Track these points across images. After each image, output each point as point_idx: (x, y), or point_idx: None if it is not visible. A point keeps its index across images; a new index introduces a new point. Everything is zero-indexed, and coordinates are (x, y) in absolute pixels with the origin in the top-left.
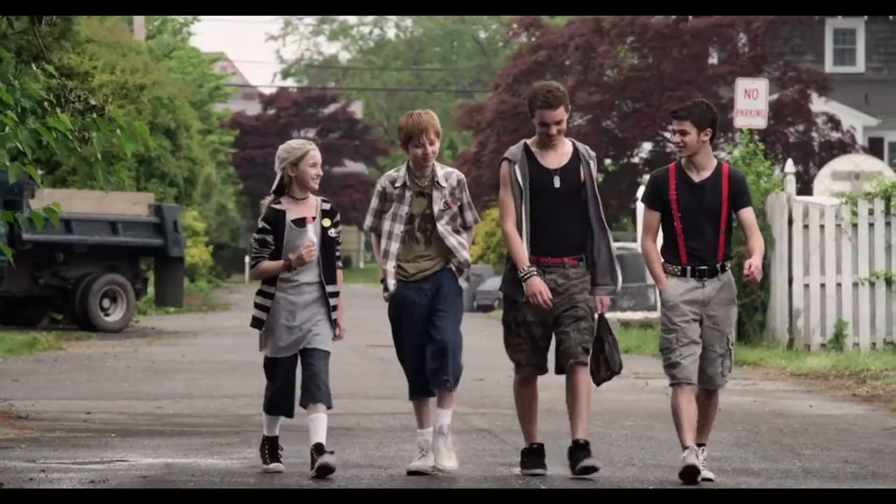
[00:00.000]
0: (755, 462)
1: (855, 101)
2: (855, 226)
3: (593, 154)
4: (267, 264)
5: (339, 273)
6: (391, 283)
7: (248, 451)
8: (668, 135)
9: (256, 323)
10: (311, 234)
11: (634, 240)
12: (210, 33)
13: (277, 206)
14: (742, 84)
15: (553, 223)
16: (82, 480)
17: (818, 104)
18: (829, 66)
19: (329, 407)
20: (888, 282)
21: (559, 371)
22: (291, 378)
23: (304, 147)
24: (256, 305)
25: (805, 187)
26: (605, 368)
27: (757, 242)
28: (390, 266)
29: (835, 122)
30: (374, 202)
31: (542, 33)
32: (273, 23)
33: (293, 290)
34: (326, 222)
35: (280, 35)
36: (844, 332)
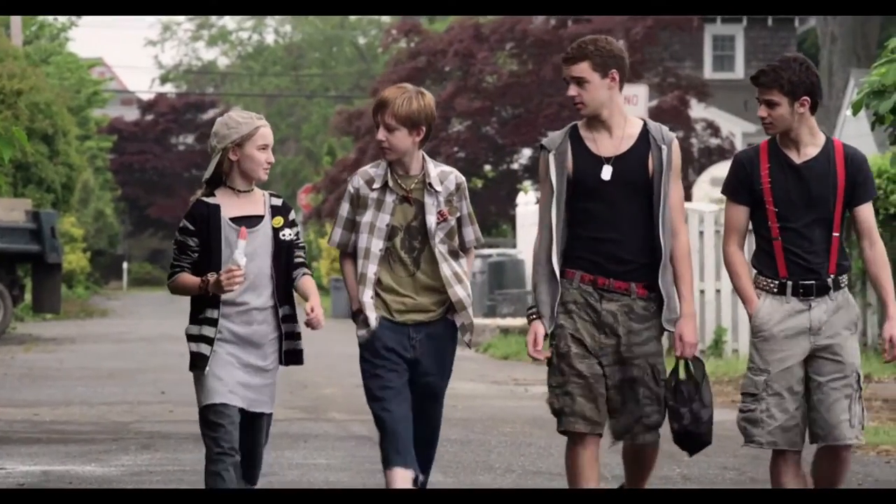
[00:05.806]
0: None
1: (734, 107)
2: None
3: (671, 136)
4: (185, 278)
5: (306, 280)
6: (371, 316)
7: (126, 458)
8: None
9: (199, 361)
10: (239, 255)
11: (514, 246)
12: (88, 38)
13: (209, 200)
14: None
15: (611, 231)
16: None
17: (697, 110)
18: (708, 72)
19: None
20: None
21: (617, 438)
22: (235, 438)
23: (251, 122)
24: (194, 337)
25: (684, 193)
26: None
27: (884, 271)
28: (367, 296)
29: (714, 128)
30: (345, 209)
31: (422, 39)
32: (151, 28)
33: (239, 318)
34: (278, 221)
35: (159, 41)
36: (724, 339)
